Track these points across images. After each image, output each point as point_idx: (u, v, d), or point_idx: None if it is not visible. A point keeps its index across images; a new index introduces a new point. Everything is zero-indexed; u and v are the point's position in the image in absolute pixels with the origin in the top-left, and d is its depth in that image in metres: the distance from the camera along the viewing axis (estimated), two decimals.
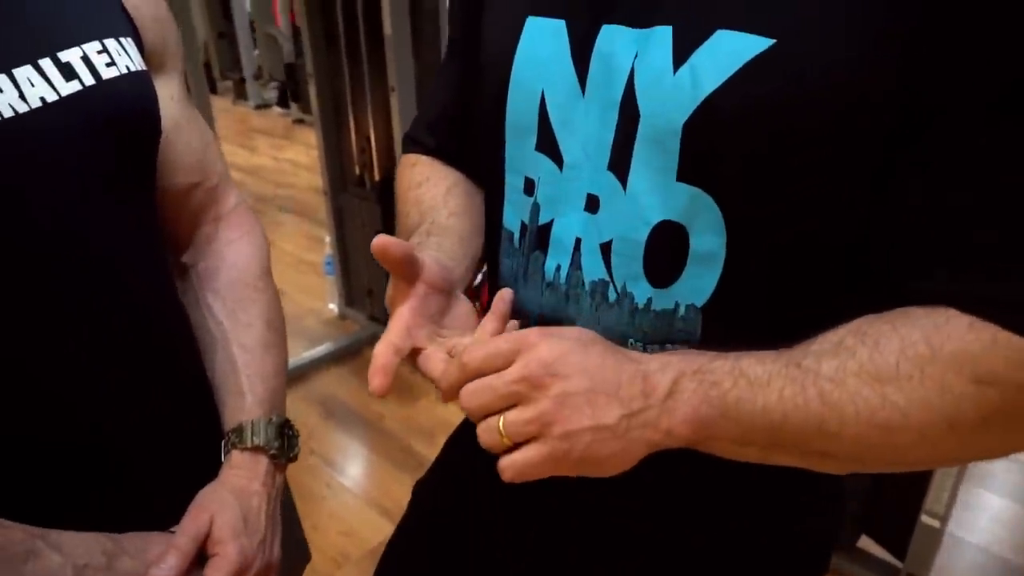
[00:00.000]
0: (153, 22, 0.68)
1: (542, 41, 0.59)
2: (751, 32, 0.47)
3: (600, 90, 0.55)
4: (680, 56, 0.50)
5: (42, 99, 0.54)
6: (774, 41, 0.46)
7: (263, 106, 6.57)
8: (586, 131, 0.56)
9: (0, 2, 0.54)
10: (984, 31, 0.43)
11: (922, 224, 0.47)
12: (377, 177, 2.47)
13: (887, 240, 0.49)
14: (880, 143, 0.47)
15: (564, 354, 0.48)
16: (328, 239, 2.78)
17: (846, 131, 0.47)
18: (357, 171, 2.53)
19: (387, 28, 2.08)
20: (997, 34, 0.42)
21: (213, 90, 3.27)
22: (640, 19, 0.52)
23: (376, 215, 2.45)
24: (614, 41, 0.54)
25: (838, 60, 0.45)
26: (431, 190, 0.73)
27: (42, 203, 0.54)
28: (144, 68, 0.64)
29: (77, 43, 0.57)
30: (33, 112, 0.53)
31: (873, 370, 0.45)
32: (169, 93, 0.70)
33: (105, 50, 0.59)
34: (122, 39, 0.62)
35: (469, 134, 0.72)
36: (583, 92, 0.56)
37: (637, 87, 0.52)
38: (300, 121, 5.95)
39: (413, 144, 0.79)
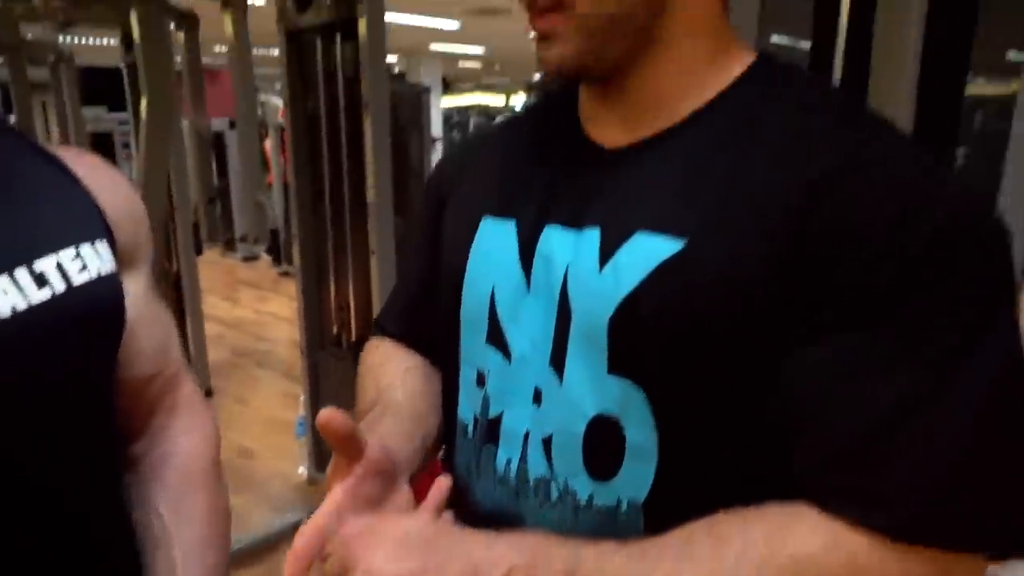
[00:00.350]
0: (128, 221, 0.70)
1: (494, 240, 0.64)
2: (665, 233, 0.52)
3: (543, 287, 0.59)
4: (605, 256, 0.55)
5: (12, 308, 0.55)
6: (685, 242, 0.51)
7: (251, 258, 6.70)
8: (532, 326, 0.60)
9: None
10: (837, 255, 0.47)
11: (792, 417, 0.50)
12: (354, 337, 2.45)
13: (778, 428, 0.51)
14: (777, 339, 0.50)
15: (384, 562, 0.47)
16: (302, 397, 2.70)
17: (749, 326, 0.50)
18: (335, 330, 2.52)
19: (371, 195, 2.13)
20: (847, 257, 0.47)
21: (199, 251, 3.36)
22: (575, 220, 0.58)
23: (352, 375, 2.39)
24: (553, 241, 0.59)
25: (739, 260, 0.50)
26: (390, 371, 0.75)
27: None
28: (114, 270, 0.66)
29: (53, 250, 0.60)
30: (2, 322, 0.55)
31: (710, 569, 0.46)
32: (136, 288, 0.72)
33: (79, 256, 0.61)
34: (97, 242, 0.64)
35: (430, 326, 0.75)
36: (528, 288, 0.60)
37: (570, 285, 0.57)
38: (286, 274, 6.04)
39: (380, 330, 0.81)
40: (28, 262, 0.58)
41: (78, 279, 0.61)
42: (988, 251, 0.48)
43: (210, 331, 3.83)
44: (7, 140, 0.65)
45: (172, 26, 2.70)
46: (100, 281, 0.63)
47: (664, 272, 0.51)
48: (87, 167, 0.68)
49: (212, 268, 6.11)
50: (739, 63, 0.59)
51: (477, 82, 19.00)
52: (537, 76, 16.26)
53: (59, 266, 0.60)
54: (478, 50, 12.44)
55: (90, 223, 0.65)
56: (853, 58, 1.08)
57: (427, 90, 5.11)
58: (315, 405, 2.62)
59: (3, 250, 0.57)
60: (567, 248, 0.58)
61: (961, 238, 0.47)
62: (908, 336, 0.47)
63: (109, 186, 0.69)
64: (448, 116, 12.28)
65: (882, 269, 0.47)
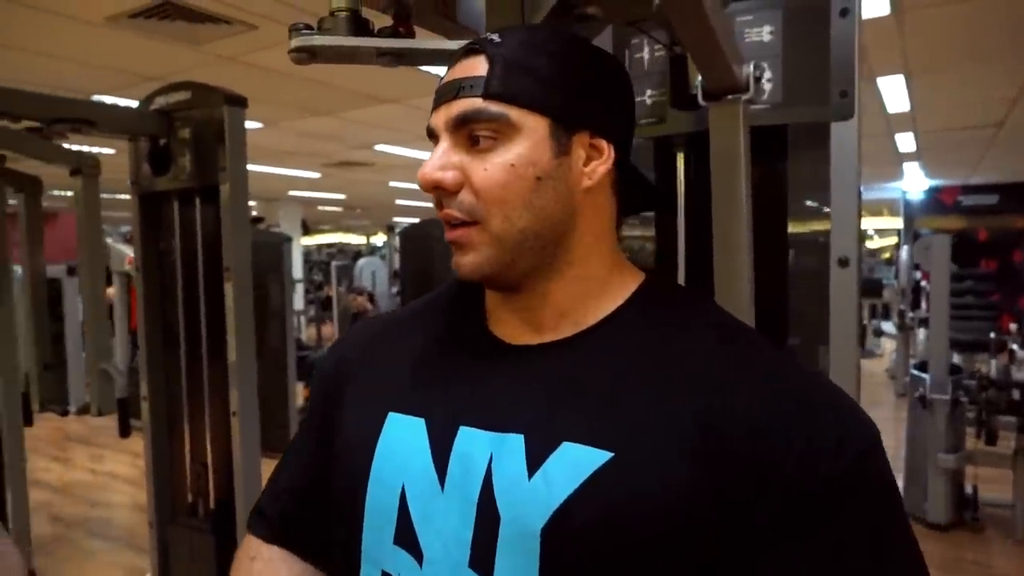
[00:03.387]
0: None
1: (403, 437, 0.64)
2: (592, 445, 0.55)
3: (458, 488, 0.59)
4: (533, 464, 0.56)
5: None
6: (612, 455, 0.54)
7: (84, 411, 6.13)
8: (446, 527, 0.59)
9: None
10: (753, 486, 0.52)
11: None
12: (213, 505, 2.32)
13: None
14: (709, 553, 0.53)
15: None
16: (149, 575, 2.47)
17: (680, 540, 0.53)
18: (190, 498, 2.37)
19: (232, 356, 2.12)
20: (764, 490, 0.52)
21: (29, 422, 3.03)
22: (495, 424, 0.60)
23: (210, 548, 2.25)
24: (471, 442, 0.60)
25: (663, 476, 0.53)
26: None
27: None
28: None
29: None
30: None
31: None
32: None
33: None
34: None
35: (321, 520, 0.73)
36: (442, 488, 0.60)
37: (496, 489, 0.57)
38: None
39: (259, 521, 0.78)
40: None
41: None
42: (888, 476, 0.56)
43: (35, 498, 3.45)
44: None
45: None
46: None
47: (595, 482, 0.54)
48: None
49: (38, 423, 5.52)
50: (632, 279, 0.67)
51: (337, 224, 19.17)
52: (396, 219, 16.72)
53: None
54: (339, 196, 12.71)
55: None
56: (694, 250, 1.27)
57: (288, 239, 5.18)
58: None
59: None
60: (486, 450, 0.59)
61: (866, 468, 0.54)
62: (832, 557, 0.52)
63: None
64: (307, 254, 12.22)
65: (800, 497, 0.52)
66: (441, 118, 0.62)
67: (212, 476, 2.32)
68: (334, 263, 9.44)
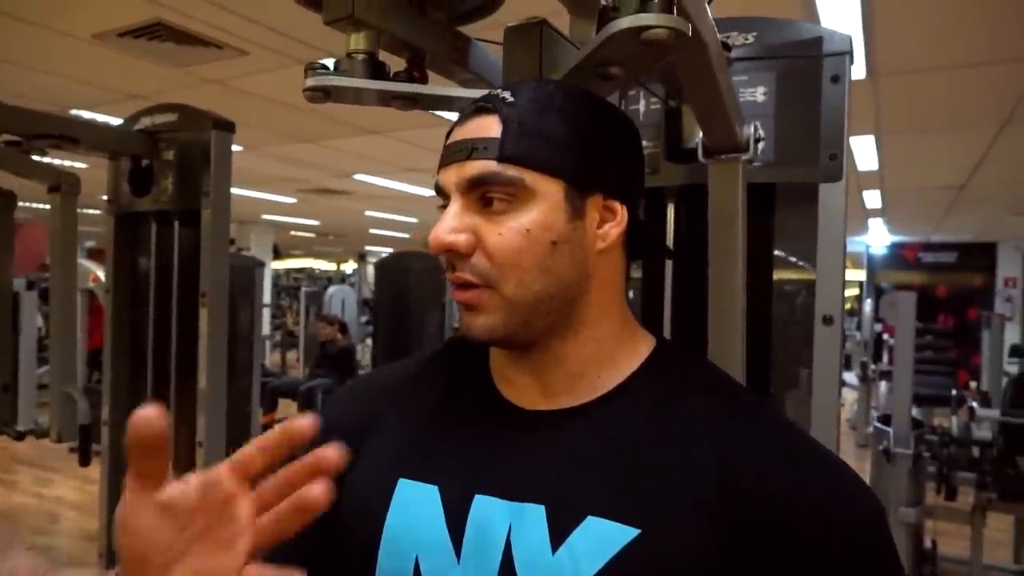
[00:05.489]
0: None
1: (415, 505, 0.62)
2: (618, 521, 0.55)
3: (475, 558, 0.58)
4: (557, 537, 0.56)
5: None
6: (639, 532, 0.54)
7: (32, 432, 5.90)
8: None
9: None
10: (774, 560, 0.54)
11: None
12: None
13: None
14: None
15: None
16: None
17: None
18: None
19: (202, 382, 2.08)
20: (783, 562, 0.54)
21: None
22: (512, 493, 0.59)
23: None
24: (488, 511, 0.59)
25: (691, 548, 0.53)
26: None
27: None
28: None
29: None
30: None
31: None
32: None
33: None
34: None
35: None
36: (458, 559, 0.59)
37: (517, 561, 0.56)
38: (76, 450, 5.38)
39: None
40: None
41: None
42: (891, 546, 0.57)
43: None
44: None
45: None
46: None
47: (623, 561, 0.53)
48: None
49: None
50: (644, 344, 0.66)
51: (309, 249, 19.02)
52: (369, 248, 16.65)
53: None
54: (313, 222, 12.64)
55: None
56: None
57: (261, 264, 5.11)
58: None
59: None
60: (504, 520, 0.58)
61: (882, 538, 0.56)
62: None
63: None
64: (276, 278, 12.08)
65: (826, 567, 0.53)
66: (452, 178, 0.61)
67: None
68: (304, 289, 9.35)
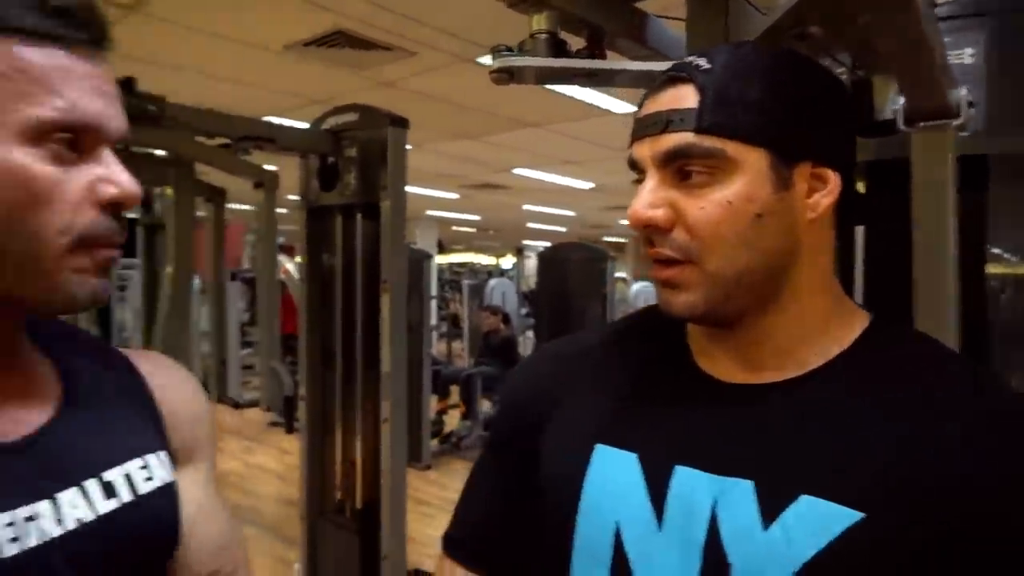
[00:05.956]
0: (187, 421, 0.72)
1: (615, 471, 0.61)
2: (837, 502, 0.52)
3: (679, 530, 0.57)
4: (768, 514, 0.54)
5: (79, 520, 0.56)
6: (863, 515, 0.51)
7: (240, 405, 6.65)
8: (666, 568, 0.57)
9: (55, 431, 0.59)
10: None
11: None
12: (359, 506, 2.43)
13: None
14: None
15: None
16: (297, 566, 2.62)
17: None
18: (338, 496, 2.49)
19: (385, 366, 2.22)
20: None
21: None
22: (717, 466, 0.57)
23: (354, 546, 2.36)
24: (690, 483, 0.58)
25: (916, 536, 0.50)
26: None
27: None
28: (172, 479, 0.67)
29: (121, 462, 0.62)
30: (70, 533, 0.56)
31: None
32: (194, 487, 0.72)
33: (146, 466, 0.64)
34: (160, 452, 0.66)
35: (521, 548, 0.72)
36: (659, 528, 0.58)
37: (723, 536, 0.55)
38: (275, 424, 5.97)
39: (454, 548, 0.76)
40: (98, 474, 0.59)
41: (143, 488, 0.62)
42: None
43: None
44: (78, 343, 0.68)
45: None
46: (161, 490, 0.64)
47: (846, 544, 0.51)
48: (151, 367, 0.71)
49: None
50: (857, 318, 0.62)
51: (470, 244, 19.75)
52: (526, 242, 16.98)
53: (127, 476, 0.61)
54: (474, 217, 13.10)
55: (155, 433, 0.67)
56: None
57: (428, 257, 5.39)
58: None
59: (73, 462, 0.59)
60: (707, 493, 0.57)
61: None
62: None
63: (173, 387, 0.72)
64: (440, 272, 12.66)
65: None
66: (647, 152, 0.59)
67: (360, 478, 2.44)
68: (465, 282, 9.71)
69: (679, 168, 0.58)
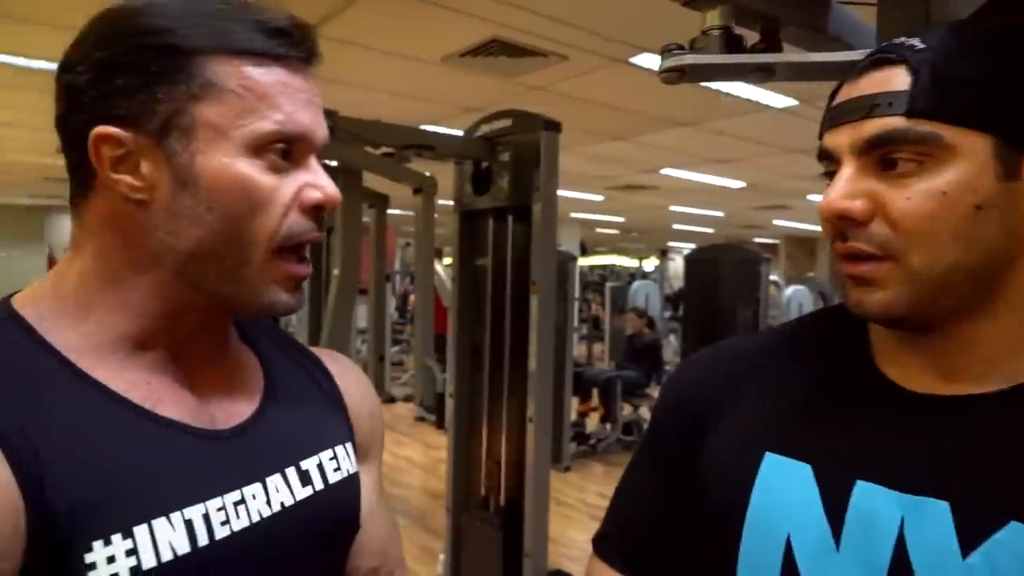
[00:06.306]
0: (367, 419, 0.75)
1: (786, 482, 0.58)
2: None
3: (860, 551, 0.53)
4: (968, 540, 0.49)
5: (282, 504, 0.61)
6: None
7: (388, 401, 7.03)
8: None
9: (260, 421, 0.63)
10: None
11: None
12: (503, 502, 2.48)
13: None
14: None
15: None
16: (442, 557, 2.72)
17: None
18: (483, 491, 2.56)
19: (532, 365, 2.25)
20: None
21: None
22: (905, 483, 0.53)
23: (497, 542, 2.41)
24: (873, 500, 0.54)
25: None
26: None
27: None
28: (357, 469, 0.70)
29: (315, 452, 0.66)
30: (273, 516, 0.60)
31: None
32: (369, 482, 0.74)
33: (335, 456, 0.67)
34: (346, 444, 0.70)
35: (678, 554, 0.70)
36: (837, 547, 0.54)
37: (913, 561, 0.51)
38: (421, 419, 6.24)
39: (611, 548, 0.74)
40: (296, 463, 0.63)
41: (333, 477, 0.66)
42: None
43: None
44: (276, 338, 0.72)
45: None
46: (349, 479, 0.68)
47: None
48: (338, 367, 0.75)
49: None
50: None
51: (612, 246, 19.59)
52: (670, 244, 16.57)
53: (319, 465, 0.65)
54: (618, 219, 12.99)
55: (343, 425, 0.71)
56: None
57: (573, 259, 5.40)
58: (457, 568, 2.62)
59: (277, 452, 0.63)
60: (894, 512, 0.53)
61: None
62: None
63: (355, 385, 0.75)
64: (582, 275, 12.65)
65: None
66: (845, 139, 0.55)
67: (504, 475, 2.49)
68: (608, 284, 9.63)
69: (882, 156, 0.54)
